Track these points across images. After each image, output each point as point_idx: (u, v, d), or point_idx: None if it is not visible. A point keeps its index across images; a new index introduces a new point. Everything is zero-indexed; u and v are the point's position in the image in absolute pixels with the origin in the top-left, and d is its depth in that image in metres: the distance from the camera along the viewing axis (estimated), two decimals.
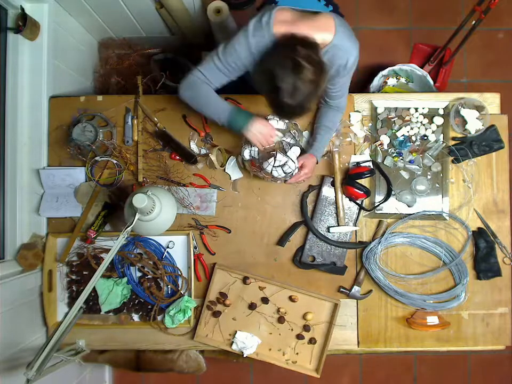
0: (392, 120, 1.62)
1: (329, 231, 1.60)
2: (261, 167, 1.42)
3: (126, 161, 1.62)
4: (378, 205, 1.60)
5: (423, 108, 1.62)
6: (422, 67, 2.33)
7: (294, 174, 1.44)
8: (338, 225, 1.59)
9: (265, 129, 1.38)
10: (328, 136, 1.54)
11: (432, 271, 1.60)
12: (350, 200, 1.59)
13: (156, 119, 1.63)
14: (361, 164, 1.58)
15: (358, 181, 1.52)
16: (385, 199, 1.59)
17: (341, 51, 1.28)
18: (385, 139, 1.61)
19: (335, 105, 1.50)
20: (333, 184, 1.59)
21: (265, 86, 1.21)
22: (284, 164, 1.40)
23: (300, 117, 1.31)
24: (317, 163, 1.53)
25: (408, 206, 1.61)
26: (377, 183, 1.61)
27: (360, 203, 1.59)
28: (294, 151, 1.43)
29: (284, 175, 1.42)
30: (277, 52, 1.20)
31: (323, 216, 1.60)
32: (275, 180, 1.49)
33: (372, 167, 1.57)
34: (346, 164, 1.62)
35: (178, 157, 1.63)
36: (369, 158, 1.61)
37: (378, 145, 1.61)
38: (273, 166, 1.39)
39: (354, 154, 1.63)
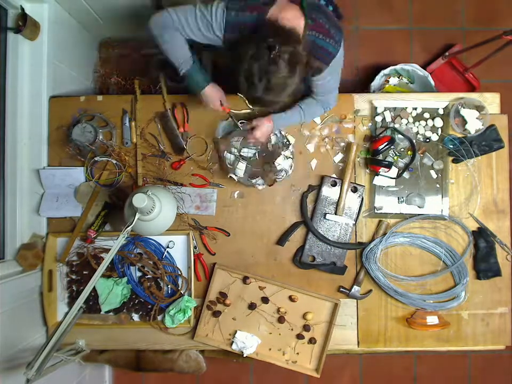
0: (391, 121, 1.62)
1: (325, 217, 1.58)
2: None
3: (124, 164, 1.62)
4: (405, 170, 1.59)
5: (422, 108, 1.62)
6: (431, 62, 2.33)
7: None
8: (336, 214, 1.58)
9: (216, 95, 1.45)
10: (297, 118, 1.49)
11: (432, 274, 1.60)
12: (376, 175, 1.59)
13: (165, 98, 1.63)
14: (380, 136, 1.58)
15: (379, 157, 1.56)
16: (411, 161, 1.58)
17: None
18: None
19: (321, 100, 1.47)
20: (333, 184, 1.59)
21: (240, 81, 1.17)
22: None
23: (273, 108, 1.27)
24: (272, 132, 1.51)
25: (419, 207, 1.60)
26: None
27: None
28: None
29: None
30: (252, 42, 1.13)
31: (323, 216, 1.60)
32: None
33: (390, 135, 1.57)
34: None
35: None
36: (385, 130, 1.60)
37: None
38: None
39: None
